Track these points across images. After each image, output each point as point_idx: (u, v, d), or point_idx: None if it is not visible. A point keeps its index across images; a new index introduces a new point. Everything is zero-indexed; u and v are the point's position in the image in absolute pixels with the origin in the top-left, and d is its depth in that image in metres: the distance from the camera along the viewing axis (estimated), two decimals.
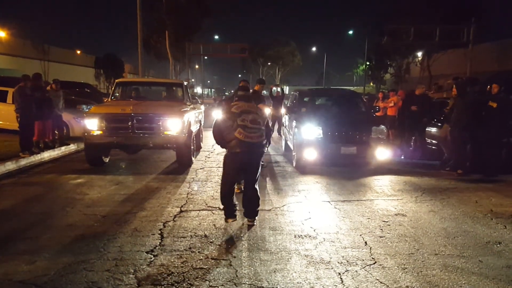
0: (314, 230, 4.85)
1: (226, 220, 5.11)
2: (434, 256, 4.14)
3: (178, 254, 4.09)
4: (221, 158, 10.04)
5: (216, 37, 49.26)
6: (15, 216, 5.29)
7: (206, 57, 51.51)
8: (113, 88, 10.02)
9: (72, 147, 10.56)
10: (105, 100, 10.05)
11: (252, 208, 5.10)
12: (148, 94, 11.99)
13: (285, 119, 10.78)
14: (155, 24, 33.77)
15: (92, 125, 7.97)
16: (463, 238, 4.67)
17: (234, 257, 4.07)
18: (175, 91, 10.67)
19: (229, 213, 5.12)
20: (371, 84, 53.82)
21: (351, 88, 53.73)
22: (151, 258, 4.01)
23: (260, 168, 5.14)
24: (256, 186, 5.11)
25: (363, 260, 4.02)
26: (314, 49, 69.83)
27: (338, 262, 3.96)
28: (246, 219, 5.10)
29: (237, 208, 5.16)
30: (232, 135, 4.84)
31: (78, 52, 51.43)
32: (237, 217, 5.13)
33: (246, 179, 5.16)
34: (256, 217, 5.12)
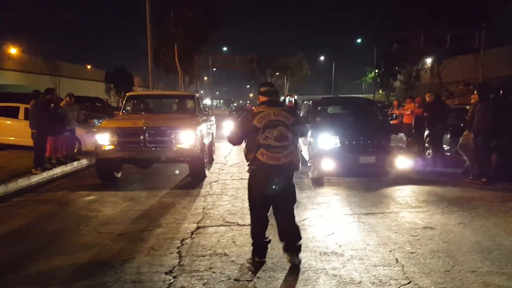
0: (340, 246, 4.60)
1: (253, 258, 4.20)
2: (472, 274, 3.86)
3: (198, 275, 3.87)
4: (235, 170, 9.97)
5: (225, 48, 49.33)
6: (27, 236, 5.11)
7: (214, 69, 51.58)
8: (124, 102, 9.91)
9: (85, 162, 10.42)
10: (116, 114, 9.93)
11: (292, 242, 4.12)
12: (159, 107, 11.87)
13: None
14: (164, 38, 33.92)
15: (104, 139, 7.82)
16: (499, 253, 4.37)
17: (258, 277, 3.83)
18: (186, 104, 10.53)
19: (258, 252, 4.20)
20: (380, 91, 53.50)
21: (360, 96, 53.42)
22: (170, 280, 3.78)
23: (295, 192, 4.19)
24: (294, 215, 4.19)
25: (396, 279, 3.75)
26: (322, 58, 69.63)
27: (370, 283, 3.69)
28: (285, 255, 4.16)
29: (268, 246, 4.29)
30: (252, 155, 3.97)
31: (89, 67, 51.97)
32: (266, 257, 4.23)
33: (280, 208, 4.13)
34: (300, 257, 4.14)
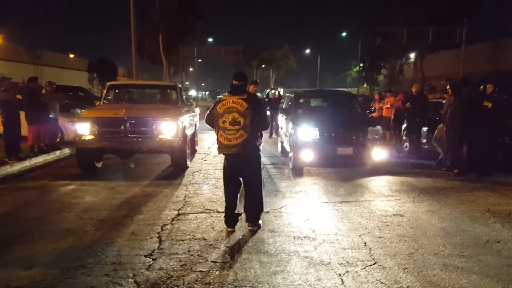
0: (313, 232, 4.83)
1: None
2: (434, 256, 4.13)
3: (177, 258, 4.05)
4: (218, 160, 10.14)
5: (210, 40, 49.23)
6: (10, 222, 5.23)
7: (200, 60, 51.38)
8: (105, 91, 9.91)
9: (67, 151, 10.46)
10: (97, 104, 9.92)
11: (252, 212, 4.92)
12: (141, 97, 11.88)
13: (281, 121, 10.76)
14: (148, 28, 33.64)
15: (84, 129, 7.80)
16: (462, 238, 4.67)
17: (234, 259, 4.04)
18: (169, 94, 10.57)
19: (228, 221, 4.91)
20: (365, 85, 54.05)
21: (345, 89, 53.86)
22: (149, 262, 3.97)
23: (259, 171, 4.96)
24: (260, 191, 4.98)
25: (363, 261, 4.00)
26: (307, 51, 70.02)
27: (338, 263, 3.94)
28: (247, 224, 4.94)
29: (239, 218, 4.96)
30: (216, 135, 4.80)
31: (71, 56, 51.14)
32: (235, 227, 4.89)
33: (244, 183, 4.94)
34: (260, 222, 4.97)
